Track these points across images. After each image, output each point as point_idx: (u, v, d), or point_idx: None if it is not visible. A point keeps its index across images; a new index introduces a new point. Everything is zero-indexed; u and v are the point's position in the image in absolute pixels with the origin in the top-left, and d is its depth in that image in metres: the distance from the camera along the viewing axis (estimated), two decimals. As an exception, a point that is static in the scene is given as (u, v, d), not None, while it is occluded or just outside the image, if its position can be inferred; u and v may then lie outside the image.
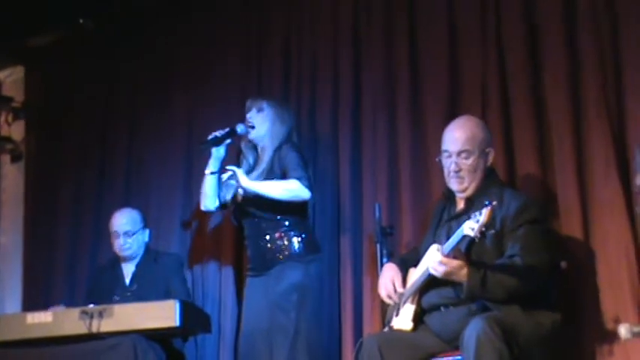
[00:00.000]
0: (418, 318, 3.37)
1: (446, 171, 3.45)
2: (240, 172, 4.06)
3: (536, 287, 3.19)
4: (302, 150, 4.22)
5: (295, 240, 4.09)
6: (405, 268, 3.56)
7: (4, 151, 6.52)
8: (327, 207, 4.50)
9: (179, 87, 5.34)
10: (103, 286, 4.73)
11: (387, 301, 3.54)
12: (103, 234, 5.03)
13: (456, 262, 3.12)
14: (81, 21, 5.49)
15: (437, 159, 3.51)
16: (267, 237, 4.11)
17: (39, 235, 5.96)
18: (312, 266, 4.11)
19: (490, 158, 3.44)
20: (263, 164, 4.17)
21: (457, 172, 3.39)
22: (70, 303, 4.88)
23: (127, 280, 4.70)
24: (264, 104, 4.21)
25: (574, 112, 3.71)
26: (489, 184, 3.41)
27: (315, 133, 4.65)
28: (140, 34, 5.62)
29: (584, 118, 3.70)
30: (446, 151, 3.45)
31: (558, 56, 3.79)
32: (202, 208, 4.39)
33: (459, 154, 3.39)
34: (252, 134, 4.21)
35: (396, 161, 4.29)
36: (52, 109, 6.10)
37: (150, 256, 4.73)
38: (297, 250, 4.08)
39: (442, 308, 3.30)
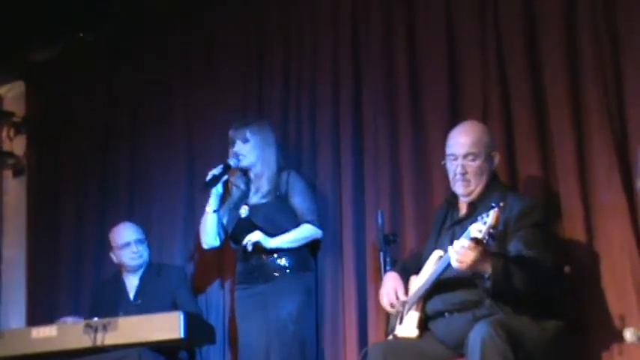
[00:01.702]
0: (423, 325, 3.36)
1: (451, 174, 3.45)
2: (263, 238, 4.18)
3: (548, 280, 3.17)
4: (305, 177, 4.41)
5: (291, 256, 4.22)
6: (406, 275, 3.56)
7: (6, 166, 6.54)
8: (329, 215, 4.49)
9: (179, 97, 5.35)
10: (107, 301, 4.73)
11: (390, 310, 3.53)
12: (106, 246, 5.03)
13: (481, 249, 3.01)
14: (81, 35, 5.49)
15: (442, 162, 3.51)
16: (264, 255, 4.21)
17: (42, 249, 5.97)
18: (308, 280, 4.26)
19: (496, 162, 3.45)
20: (263, 188, 4.30)
21: (463, 174, 3.39)
22: (75, 316, 4.87)
23: (132, 295, 4.70)
24: (248, 133, 4.30)
25: (575, 117, 3.70)
26: (492, 188, 3.41)
27: (316, 140, 4.64)
28: (139, 45, 5.63)
29: (586, 122, 3.69)
30: (452, 154, 3.45)
31: (559, 62, 3.78)
32: (204, 245, 4.53)
33: (465, 156, 3.40)
34: (244, 163, 4.31)
35: (398, 168, 4.28)
36: (52, 123, 6.12)
37: (153, 269, 4.74)
38: (292, 265, 4.21)
39: (446, 314, 3.29)
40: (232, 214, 4.35)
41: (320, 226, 4.29)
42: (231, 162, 4.31)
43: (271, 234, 4.19)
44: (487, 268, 3.04)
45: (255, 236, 4.16)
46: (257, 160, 4.31)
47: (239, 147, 4.29)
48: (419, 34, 4.32)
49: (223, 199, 4.44)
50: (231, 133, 4.36)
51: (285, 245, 4.20)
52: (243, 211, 4.29)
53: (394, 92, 4.37)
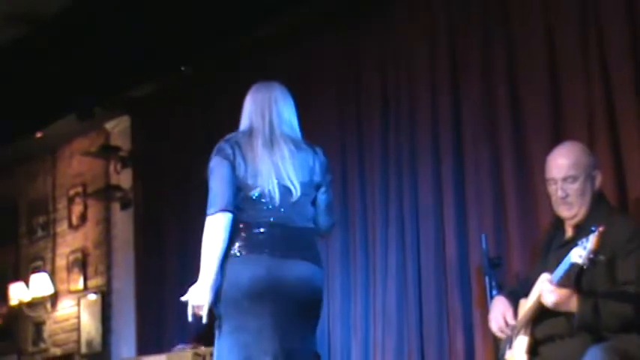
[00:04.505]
0: (532, 349, 3.30)
1: (553, 198, 3.40)
2: None
3: None
4: None
5: None
6: (515, 299, 3.50)
7: (114, 199, 6.74)
8: (431, 242, 4.47)
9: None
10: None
11: (499, 335, 3.48)
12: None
13: (565, 291, 3.05)
14: (183, 69, 5.63)
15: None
16: None
17: (149, 280, 6.12)
18: None
19: (597, 182, 3.37)
20: None
21: (564, 198, 3.33)
22: (182, 344, 4.97)
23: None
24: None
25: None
26: (598, 209, 3.33)
27: (416, 168, 4.63)
28: (236, 79, 5.72)
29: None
30: (551, 178, 3.39)
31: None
32: None
33: (564, 179, 3.34)
34: None
35: (500, 191, 4.23)
36: (157, 156, 6.28)
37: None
38: None
39: (557, 339, 3.22)
40: None
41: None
42: None
43: None
44: (574, 307, 3.06)
45: None
46: None
47: None
48: (519, 60, 4.26)
49: None
50: None
51: None
52: None
53: (494, 116, 4.33)
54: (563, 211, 3.37)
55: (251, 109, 3.48)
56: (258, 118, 3.43)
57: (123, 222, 6.68)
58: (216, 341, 3.26)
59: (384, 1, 4.90)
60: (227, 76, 5.76)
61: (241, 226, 3.26)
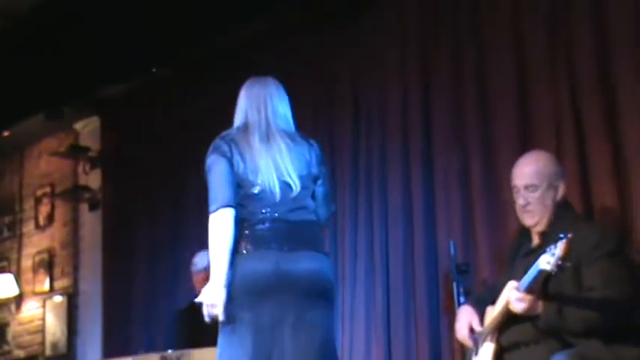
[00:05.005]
0: (498, 356, 3.31)
1: (517, 206, 3.43)
2: None
3: (617, 322, 3.10)
4: None
5: None
6: (482, 307, 3.51)
7: (82, 200, 6.68)
8: (399, 248, 4.47)
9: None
10: (185, 329, 4.76)
11: (466, 343, 3.49)
12: (178, 279, 5.08)
13: (533, 298, 3.08)
14: (154, 70, 5.60)
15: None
16: None
17: (117, 282, 6.07)
18: None
19: (560, 192, 3.38)
20: None
21: (525, 206, 3.38)
22: (149, 348, 4.93)
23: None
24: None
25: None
26: (564, 217, 3.36)
27: (386, 173, 4.64)
28: (212, 81, 5.71)
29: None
30: (514, 186, 3.44)
31: (634, 80, 3.71)
32: None
33: (526, 188, 3.37)
34: None
35: (469, 198, 4.25)
36: (127, 158, 6.24)
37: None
38: None
39: (522, 346, 3.24)
40: None
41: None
42: None
43: None
44: (540, 312, 3.10)
45: None
46: None
47: None
48: (488, 66, 4.29)
49: None
50: None
51: None
52: None
53: (464, 123, 4.35)
54: (526, 219, 3.41)
55: (246, 104, 3.44)
56: (253, 113, 3.39)
57: (91, 223, 6.63)
58: (222, 339, 3.19)
59: (356, 7, 4.92)
60: (199, 77, 5.74)
61: (244, 224, 3.22)
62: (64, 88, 5.83)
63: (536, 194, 3.36)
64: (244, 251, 3.19)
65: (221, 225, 3.17)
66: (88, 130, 6.74)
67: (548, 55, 4.02)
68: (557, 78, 3.98)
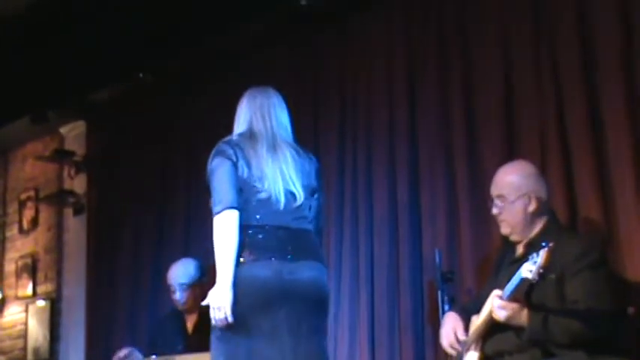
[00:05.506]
0: (482, 365, 3.32)
1: None
2: None
3: (601, 333, 3.12)
4: None
5: None
6: (467, 316, 3.53)
7: (67, 204, 6.65)
8: (384, 256, 4.47)
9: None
10: (165, 336, 4.75)
11: (450, 351, 3.50)
12: (162, 285, 5.06)
13: (516, 306, 3.10)
14: (140, 75, 5.59)
15: None
16: None
17: (101, 287, 6.05)
18: None
19: (532, 206, 3.37)
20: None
21: (497, 215, 3.43)
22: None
23: (190, 330, 4.70)
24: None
25: (637, 157, 3.64)
26: (550, 227, 3.38)
27: (372, 181, 4.64)
28: (198, 86, 5.70)
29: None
30: (490, 195, 3.47)
31: (619, 94, 3.73)
32: None
33: (498, 197, 3.43)
34: None
35: (454, 206, 4.26)
36: (112, 163, 6.22)
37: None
38: None
39: (506, 355, 3.25)
40: None
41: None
42: None
43: None
44: (524, 321, 3.09)
45: None
46: None
47: None
48: (476, 71, 4.30)
49: None
50: None
51: None
52: None
53: (450, 133, 4.35)
54: (501, 228, 3.46)
55: (250, 113, 3.46)
56: (259, 122, 3.42)
57: (75, 228, 6.60)
58: (218, 346, 3.22)
59: (343, 13, 4.92)
60: (185, 83, 5.73)
61: (249, 231, 3.24)
62: (49, 91, 5.81)
63: (505, 205, 3.39)
64: (246, 258, 3.19)
65: (226, 226, 3.17)
66: (73, 134, 6.72)
67: (533, 67, 4.03)
68: (543, 91, 3.99)
